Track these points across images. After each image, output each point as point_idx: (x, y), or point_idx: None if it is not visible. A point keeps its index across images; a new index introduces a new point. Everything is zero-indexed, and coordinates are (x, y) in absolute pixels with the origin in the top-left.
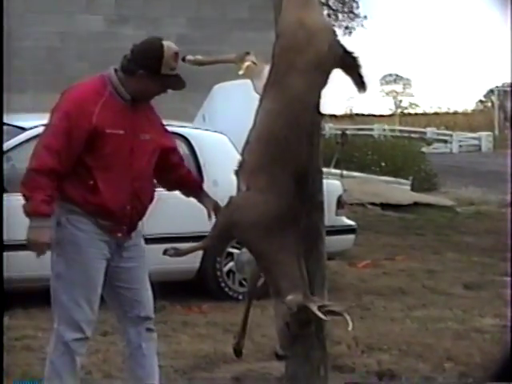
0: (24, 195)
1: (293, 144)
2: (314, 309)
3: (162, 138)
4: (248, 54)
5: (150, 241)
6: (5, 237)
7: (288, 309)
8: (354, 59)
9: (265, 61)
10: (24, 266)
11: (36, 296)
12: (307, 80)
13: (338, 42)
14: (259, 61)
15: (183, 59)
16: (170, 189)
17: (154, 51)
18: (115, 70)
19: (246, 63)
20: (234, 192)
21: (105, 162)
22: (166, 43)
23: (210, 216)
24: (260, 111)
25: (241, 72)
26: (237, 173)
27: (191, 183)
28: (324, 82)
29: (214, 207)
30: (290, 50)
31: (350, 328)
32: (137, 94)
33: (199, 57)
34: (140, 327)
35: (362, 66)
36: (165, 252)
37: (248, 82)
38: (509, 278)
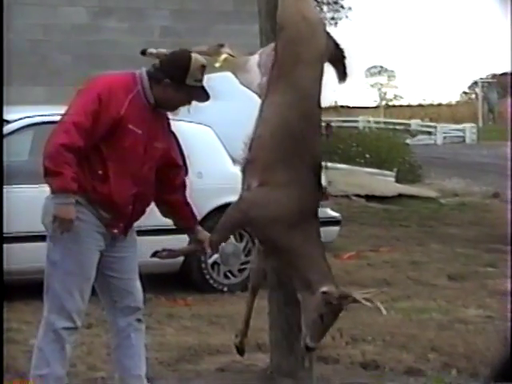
0: (50, 170)
1: (308, 136)
2: (359, 297)
3: (171, 152)
4: (222, 45)
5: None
6: None
7: (331, 299)
8: (342, 51)
9: (245, 53)
10: (8, 258)
11: (19, 289)
12: (313, 71)
13: (329, 33)
14: (237, 52)
15: (143, 52)
16: (165, 213)
17: (181, 61)
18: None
19: (223, 56)
20: (218, 183)
21: (120, 155)
22: (194, 55)
23: (204, 250)
24: (267, 106)
25: (217, 64)
26: (243, 170)
27: (188, 215)
28: (323, 73)
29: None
30: (295, 43)
31: (384, 313)
32: (161, 102)
33: (162, 50)
34: (130, 317)
35: (347, 58)
36: (154, 254)
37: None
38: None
